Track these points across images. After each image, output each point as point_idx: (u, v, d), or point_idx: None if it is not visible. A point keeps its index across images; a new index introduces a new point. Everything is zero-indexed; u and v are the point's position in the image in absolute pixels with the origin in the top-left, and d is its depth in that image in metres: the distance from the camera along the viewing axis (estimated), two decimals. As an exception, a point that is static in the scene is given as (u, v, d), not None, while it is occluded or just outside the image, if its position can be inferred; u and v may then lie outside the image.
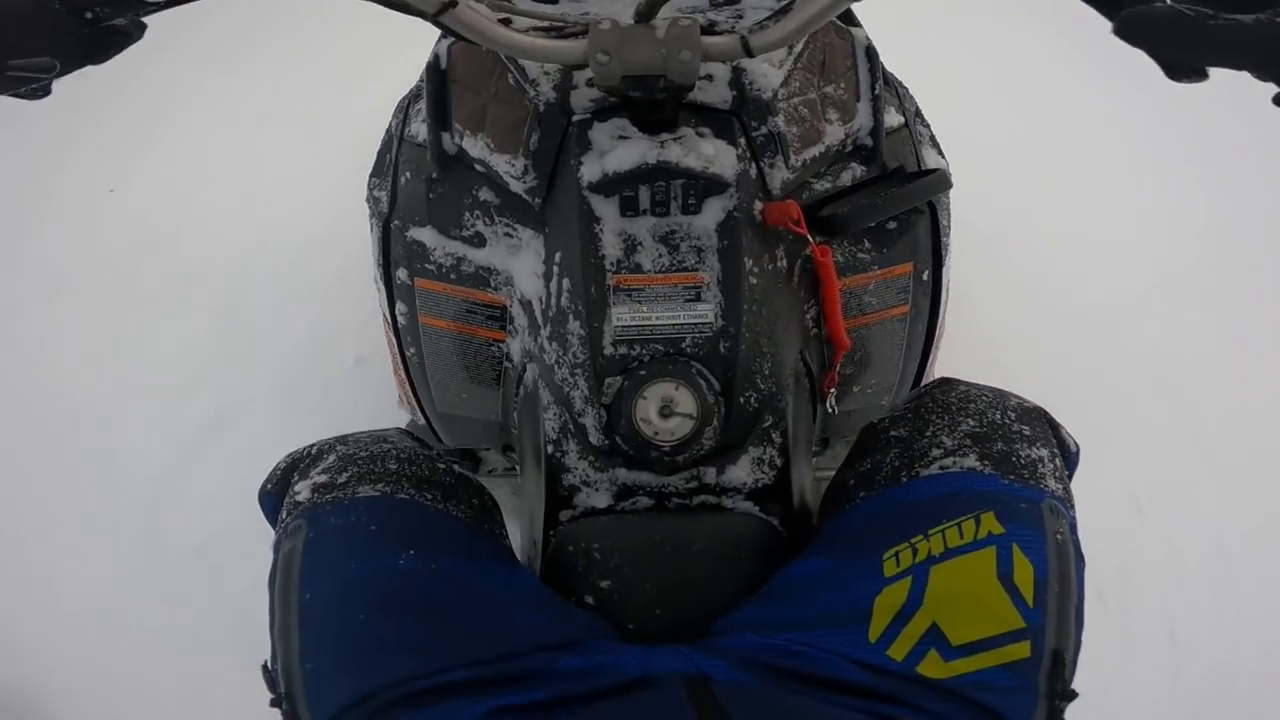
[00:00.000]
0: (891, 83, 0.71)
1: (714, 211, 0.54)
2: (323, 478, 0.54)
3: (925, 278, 0.69)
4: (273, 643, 0.48)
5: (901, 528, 0.48)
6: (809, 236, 0.56)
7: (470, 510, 0.56)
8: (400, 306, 0.68)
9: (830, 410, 0.67)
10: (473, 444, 0.83)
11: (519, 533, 0.63)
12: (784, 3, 0.56)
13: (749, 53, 0.47)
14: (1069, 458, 0.54)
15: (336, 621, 0.46)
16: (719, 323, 0.53)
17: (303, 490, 0.53)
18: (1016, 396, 0.56)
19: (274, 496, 0.57)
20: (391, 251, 0.66)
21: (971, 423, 0.52)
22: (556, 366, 0.55)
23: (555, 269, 0.56)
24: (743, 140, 0.55)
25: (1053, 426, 0.54)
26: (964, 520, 0.46)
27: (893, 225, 0.65)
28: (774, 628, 0.48)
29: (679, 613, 0.51)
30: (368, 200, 0.71)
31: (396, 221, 0.66)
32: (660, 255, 0.54)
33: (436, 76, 0.64)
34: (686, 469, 0.54)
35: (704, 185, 0.53)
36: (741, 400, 0.54)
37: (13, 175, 1.58)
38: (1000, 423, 0.52)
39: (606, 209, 0.53)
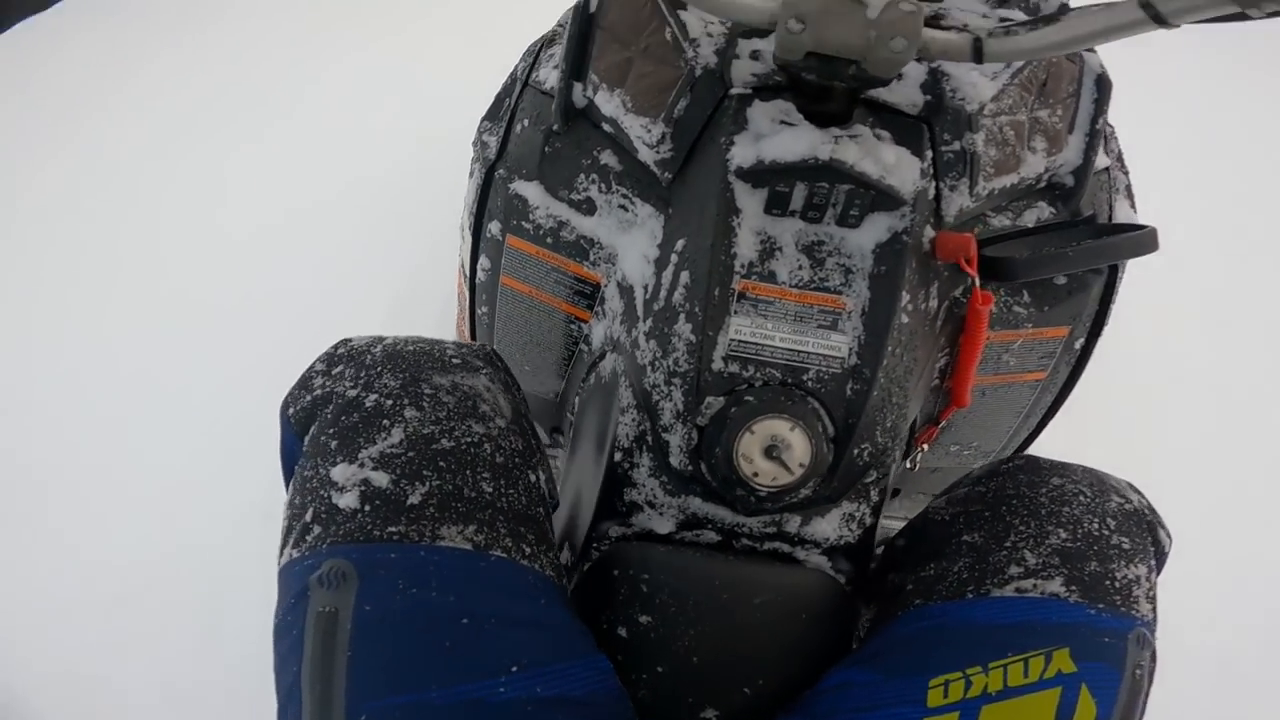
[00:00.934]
0: (1107, 103, 0.61)
1: (876, 229, 0.45)
2: (383, 479, 0.39)
3: (1077, 345, 0.60)
4: None
5: (958, 653, 0.41)
6: (976, 279, 0.47)
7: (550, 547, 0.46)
8: (484, 261, 0.61)
9: (911, 466, 0.60)
10: None
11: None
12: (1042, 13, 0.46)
13: (979, 59, 0.39)
14: (1162, 560, 0.46)
15: None
16: (853, 360, 0.45)
17: (349, 490, 0.39)
18: (1117, 490, 0.46)
19: (296, 429, 0.45)
20: (489, 201, 0.60)
21: (1063, 534, 0.43)
22: (650, 369, 0.48)
23: (674, 257, 0.48)
24: (929, 154, 0.47)
25: (1152, 529, 0.46)
26: (1032, 656, 0.39)
27: (1063, 281, 0.56)
28: None
29: (720, 668, 0.44)
30: (474, 144, 0.64)
31: (502, 171, 0.59)
32: (800, 267, 0.46)
33: (583, 19, 0.56)
34: (771, 514, 0.47)
35: (873, 197, 0.44)
36: (855, 452, 0.46)
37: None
38: (1097, 535, 0.43)
39: (750, 201, 0.45)
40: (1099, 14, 0.36)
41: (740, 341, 0.45)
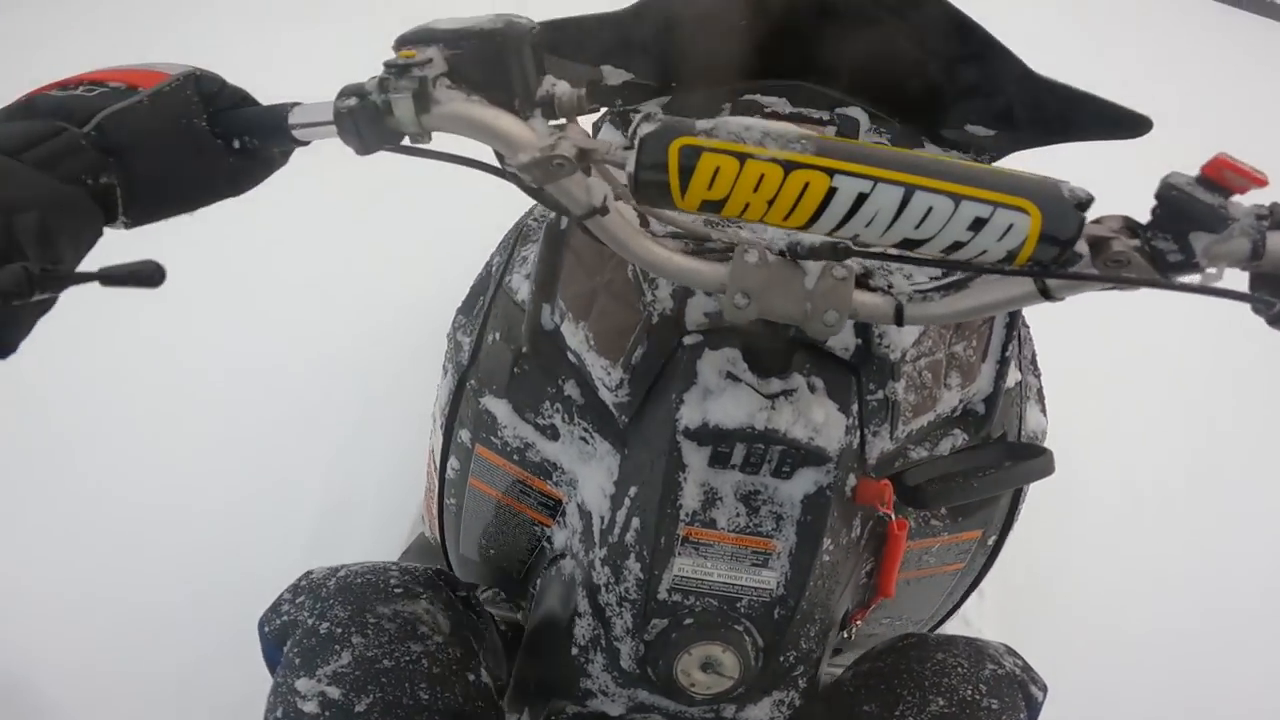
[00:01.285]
0: (1017, 330, 0.66)
1: (805, 481, 0.51)
2: (335, 692, 0.48)
3: (990, 542, 0.67)
4: None
5: None
6: (890, 515, 0.54)
7: None
8: (453, 462, 0.66)
9: (848, 637, 0.66)
10: (483, 583, 0.82)
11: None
12: (945, 280, 0.53)
13: (900, 322, 0.45)
14: (1034, 711, 0.56)
15: None
16: (780, 590, 0.51)
17: (310, 699, 0.48)
18: (992, 658, 0.57)
19: (272, 642, 0.54)
20: (460, 409, 0.65)
21: (941, 702, 0.53)
22: (604, 589, 0.54)
23: (627, 500, 0.54)
24: (855, 407, 0.53)
25: (1024, 687, 0.56)
26: None
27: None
28: None
29: None
30: (449, 336, 0.69)
31: (473, 382, 0.64)
32: (738, 515, 0.51)
33: (553, 237, 0.61)
34: (709, 706, 0.54)
35: (803, 455, 0.50)
36: (782, 659, 0.53)
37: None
38: (971, 700, 0.53)
39: (696, 458, 0.51)
40: (1002, 285, 0.43)
41: (683, 577, 0.51)
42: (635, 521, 0.52)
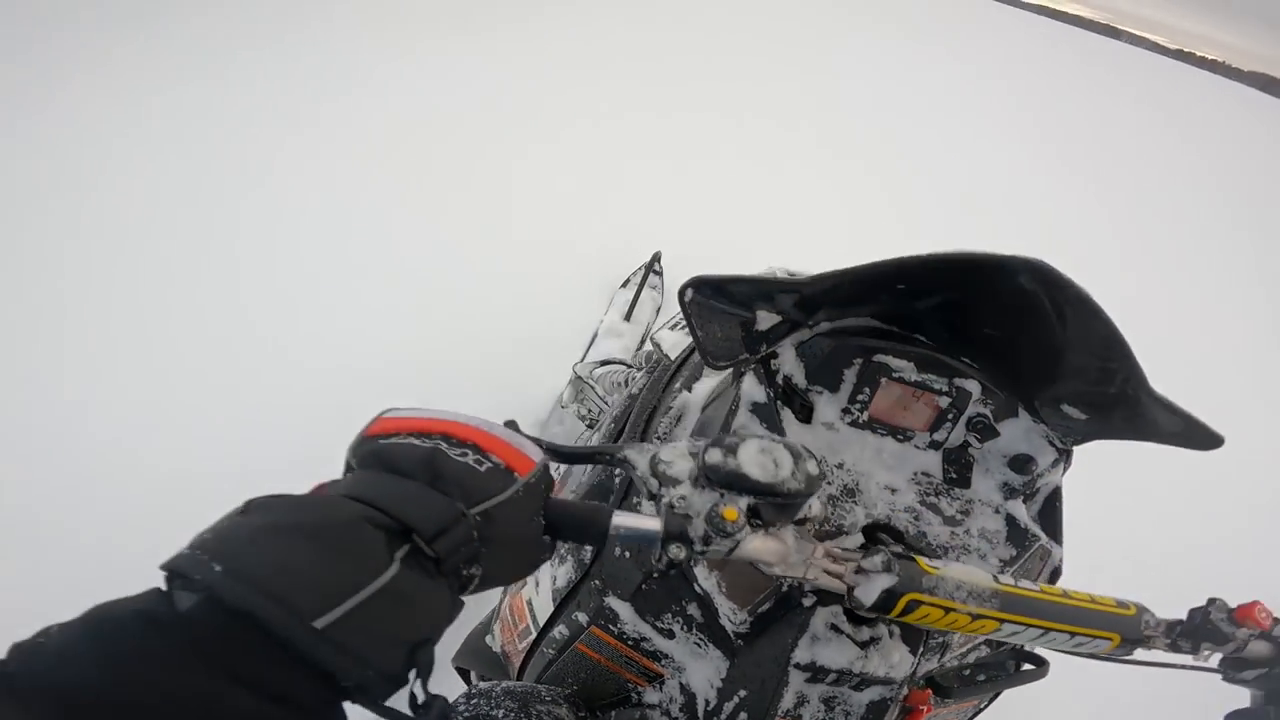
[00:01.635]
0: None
1: (872, 693, 0.64)
2: None
3: (983, 706, 0.79)
4: None
5: None
6: (926, 710, 0.67)
7: None
8: (561, 629, 0.76)
9: None
10: None
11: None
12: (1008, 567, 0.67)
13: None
14: None
15: None
16: None
17: None
18: None
19: None
20: (580, 596, 0.74)
21: None
22: None
23: (736, 697, 0.65)
24: (921, 648, 0.65)
25: None
26: None
27: (982, 678, 0.74)
28: None
29: None
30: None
31: (596, 582, 0.73)
32: (819, 712, 0.64)
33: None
34: None
35: (877, 679, 0.63)
36: None
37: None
38: None
39: (798, 677, 0.63)
40: None
41: None
42: (742, 715, 0.64)
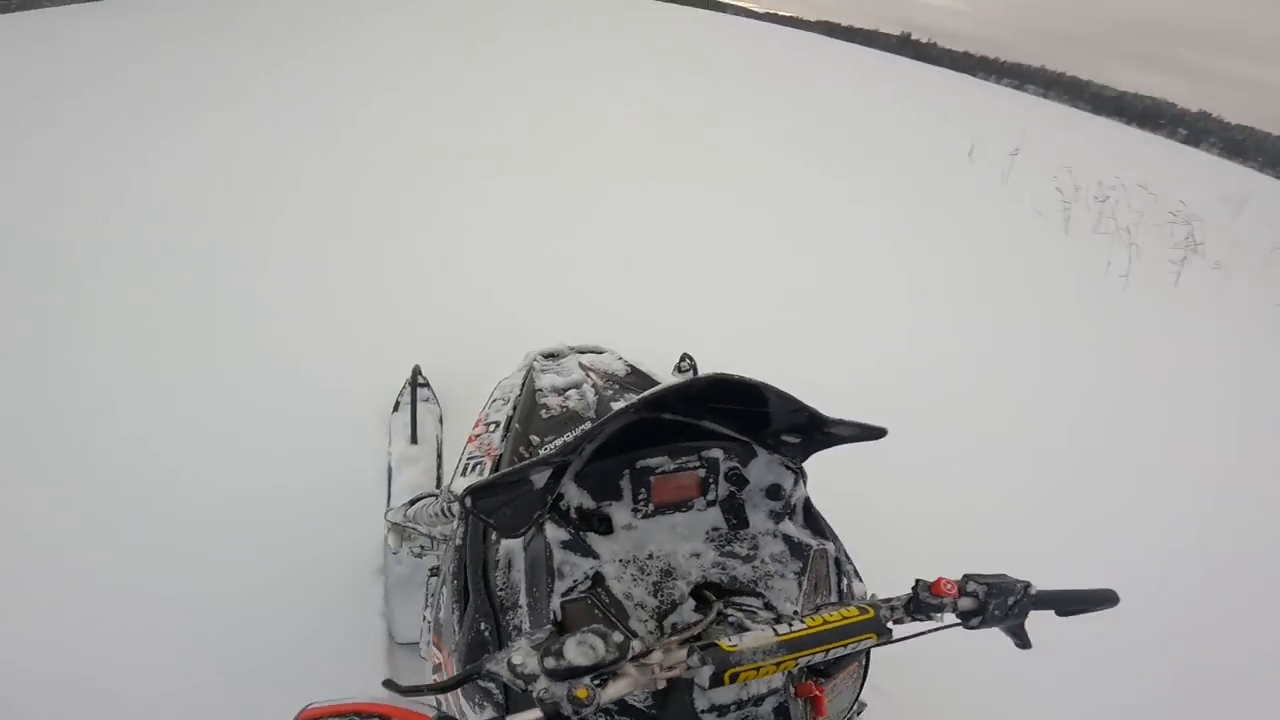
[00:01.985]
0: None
1: (770, 702, 0.78)
2: None
3: (866, 662, 1.04)
4: None
5: None
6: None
7: None
8: None
9: None
10: None
11: None
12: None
13: None
14: None
15: None
16: None
17: None
18: None
19: None
20: None
21: None
22: None
23: None
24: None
25: None
26: None
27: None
28: None
29: None
30: None
31: None
32: None
33: None
34: None
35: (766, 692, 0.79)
36: None
37: None
38: None
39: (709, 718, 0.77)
40: None
41: None
42: None
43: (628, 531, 0.89)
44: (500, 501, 0.78)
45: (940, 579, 0.78)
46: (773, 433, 0.94)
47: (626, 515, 0.89)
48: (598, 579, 0.85)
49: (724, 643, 0.67)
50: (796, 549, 0.92)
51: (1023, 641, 0.84)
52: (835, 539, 1.00)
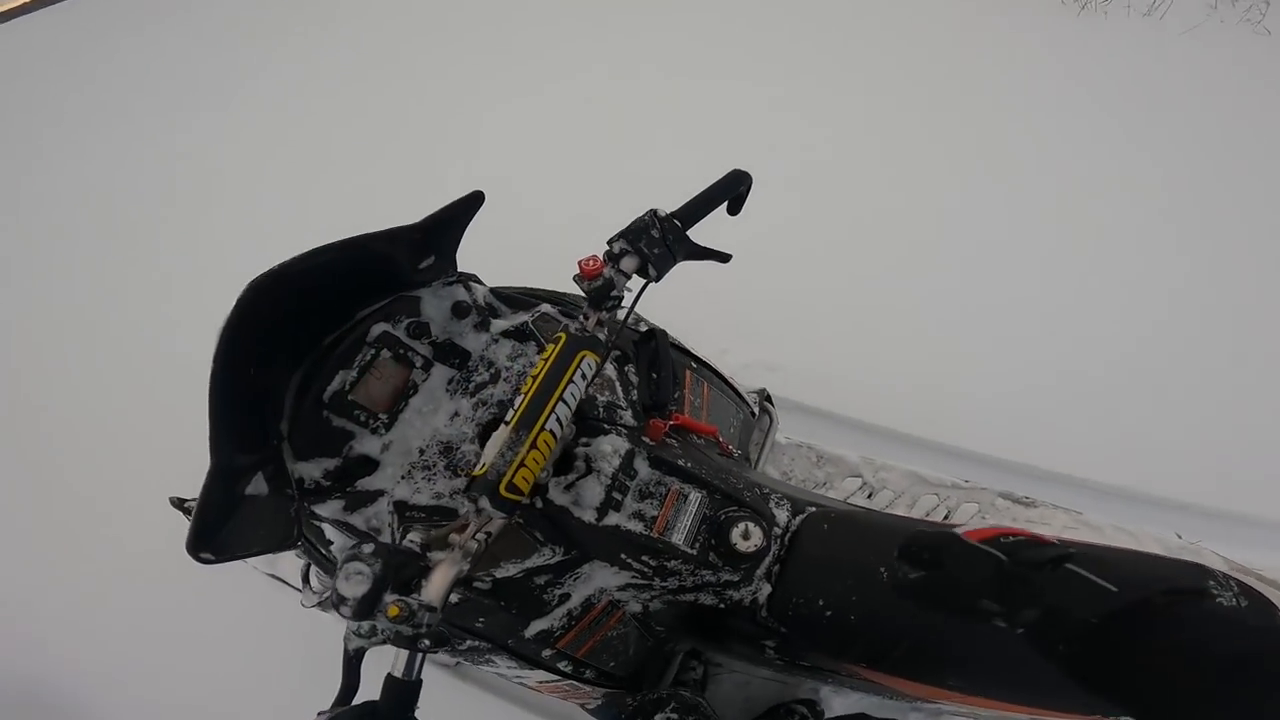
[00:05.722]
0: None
1: (639, 464, 0.86)
2: None
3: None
4: None
5: None
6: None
7: None
8: (555, 668, 0.96)
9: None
10: None
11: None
12: None
13: None
14: None
15: None
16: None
17: None
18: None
19: None
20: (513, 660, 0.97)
21: None
22: None
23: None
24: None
25: None
26: None
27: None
28: None
29: None
30: None
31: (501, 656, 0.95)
32: (648, 478, 0.87)
33: None
34: None
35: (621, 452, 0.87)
36: None
37: None
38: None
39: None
40: None
41: None
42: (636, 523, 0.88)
43: (388, 450, 0.86)
44: (235, 532, 0.72)
45: (585, 260, 0.79)
46: (407, 270, 0.89)
47: (373, 440, 0.86)
48: (400, 507, 0.84)
49: (475, 470, 0.68)
50: (520, 333, 0.92)
51: (720, 257, 0.88)
52: (549, 298, 1.01)
